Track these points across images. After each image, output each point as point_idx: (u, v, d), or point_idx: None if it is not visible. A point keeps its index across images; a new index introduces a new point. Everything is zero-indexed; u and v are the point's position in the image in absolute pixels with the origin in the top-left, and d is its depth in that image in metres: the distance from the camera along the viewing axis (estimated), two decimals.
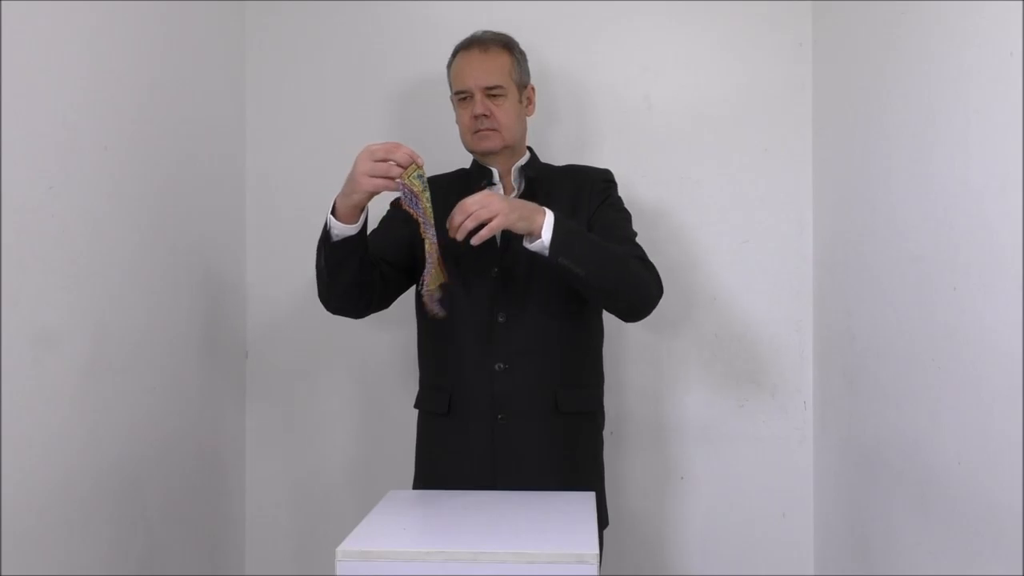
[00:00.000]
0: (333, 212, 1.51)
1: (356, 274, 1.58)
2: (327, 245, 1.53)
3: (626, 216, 1.76)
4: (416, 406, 1.81)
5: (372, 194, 1.48)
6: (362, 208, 1.51)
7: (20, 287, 1.38)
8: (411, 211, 1.48)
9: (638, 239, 1.70)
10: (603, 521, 1.75)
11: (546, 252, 1.51)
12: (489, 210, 1.46)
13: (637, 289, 1.59)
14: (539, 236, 1.50)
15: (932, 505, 1.54)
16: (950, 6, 1.46)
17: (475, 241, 1.47)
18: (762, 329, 2.18)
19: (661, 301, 1.64)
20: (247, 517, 2.27)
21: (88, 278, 1.57)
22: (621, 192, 1.81)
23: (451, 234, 1.49)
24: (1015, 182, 1.26)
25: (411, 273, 1.73)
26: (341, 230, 1.52)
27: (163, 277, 1.84)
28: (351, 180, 1.47)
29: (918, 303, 1.59)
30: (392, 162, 1.44)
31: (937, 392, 1.51)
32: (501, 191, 1.74)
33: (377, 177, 1.44)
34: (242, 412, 2.26)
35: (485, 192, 1.52)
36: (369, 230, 1.59)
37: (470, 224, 1.46)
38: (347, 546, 1.25)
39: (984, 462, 1.37)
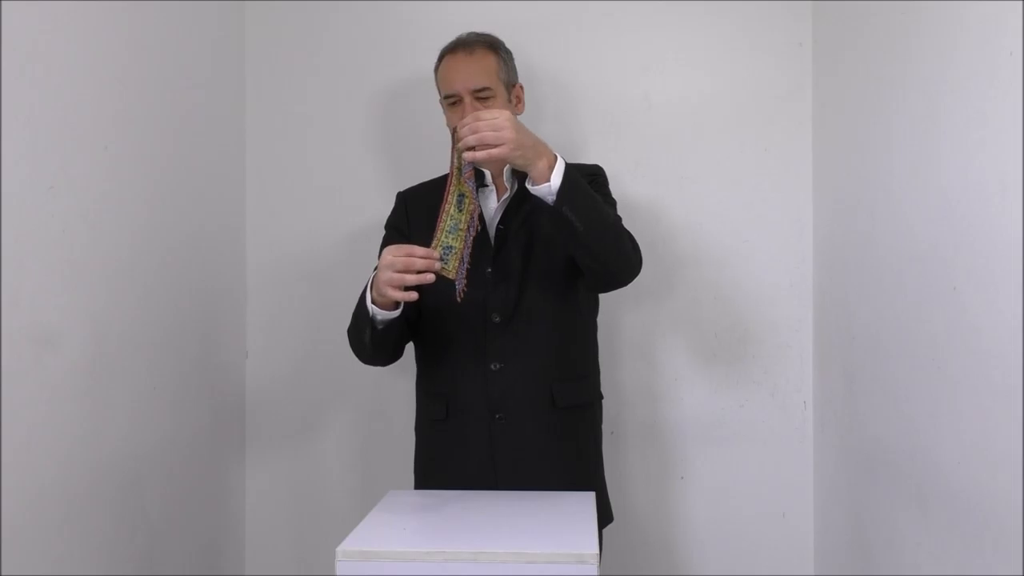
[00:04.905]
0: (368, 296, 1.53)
1: (398, 339, 1.64)
2: (373, 332, 1.55)
3: (611, 201, 1.75)
4: (416, 412, 1.81)
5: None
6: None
7: (20, 287, 1.38)
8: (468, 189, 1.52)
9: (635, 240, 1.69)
10: (607, 517, 1.74)
11: (551, 198, 1.46)
12: (498, 136, 1.41)
13: (624, 258, 1.58)
14: (543, 180, 1.46)
15: (932, 505, 1.54)
16: (950, 6, 1.46)
17: (467, 157, 1.44)
18: (762, 329, 2.18)
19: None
20: (247, 517, 2.27)
21: (88, 278, 1.57)
22: (620, 190, 1.80)
23: (457, 144, 1.45)
24: (1015, 182, 1.26)
25: (422, 297, 1.73)
26: (385, 316, 1.54)
27: (163, 277, 1.84)
28: (378, 287, 1.47)
29: (918, 303, 1.59)
30: (412, 257, 1.44)
31: (937, 392, 1.51)
32: (495, 192, 1.74)
33: (396, 286, 1.43)
34: (242, 412, 2.25)
35: (505, 115, 1.44)
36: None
37: (472, 141, 1.42)
38: (347, 546, 1.25)
39: (984, 462, 1.37)
